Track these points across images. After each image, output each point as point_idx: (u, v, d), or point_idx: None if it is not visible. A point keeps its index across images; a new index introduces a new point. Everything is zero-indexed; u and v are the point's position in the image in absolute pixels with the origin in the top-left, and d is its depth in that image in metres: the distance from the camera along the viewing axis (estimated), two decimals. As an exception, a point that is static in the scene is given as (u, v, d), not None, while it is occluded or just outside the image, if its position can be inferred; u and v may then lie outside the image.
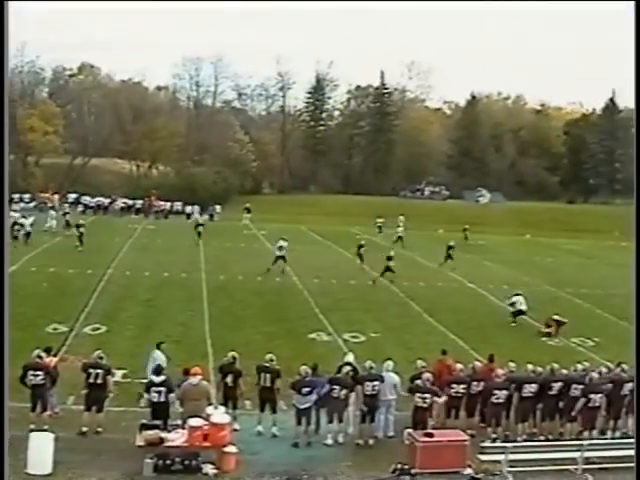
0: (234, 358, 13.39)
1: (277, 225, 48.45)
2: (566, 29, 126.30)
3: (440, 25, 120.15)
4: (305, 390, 12.81)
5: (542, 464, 12.13)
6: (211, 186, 63.20)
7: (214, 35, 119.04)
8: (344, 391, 13.05)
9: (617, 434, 13.96)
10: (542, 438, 13.62)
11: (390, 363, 13.76)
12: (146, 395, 12.48)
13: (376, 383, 13.18)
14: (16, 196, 52.68)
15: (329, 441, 12.96)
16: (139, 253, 34.41)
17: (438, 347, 16.10)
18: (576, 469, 12.38)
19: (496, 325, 23.23)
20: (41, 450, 11.13)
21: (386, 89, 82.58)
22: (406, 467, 11.81)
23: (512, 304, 23.66)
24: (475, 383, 13.73)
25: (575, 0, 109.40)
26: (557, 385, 13.73)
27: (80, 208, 54.35)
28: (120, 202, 57.62)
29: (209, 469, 11.49)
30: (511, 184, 78.10)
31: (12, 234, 33.42)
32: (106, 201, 57.19)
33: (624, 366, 14.61)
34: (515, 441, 13.02)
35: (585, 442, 12.67)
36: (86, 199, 56.96)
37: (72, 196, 57.22)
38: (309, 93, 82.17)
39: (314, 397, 12.84)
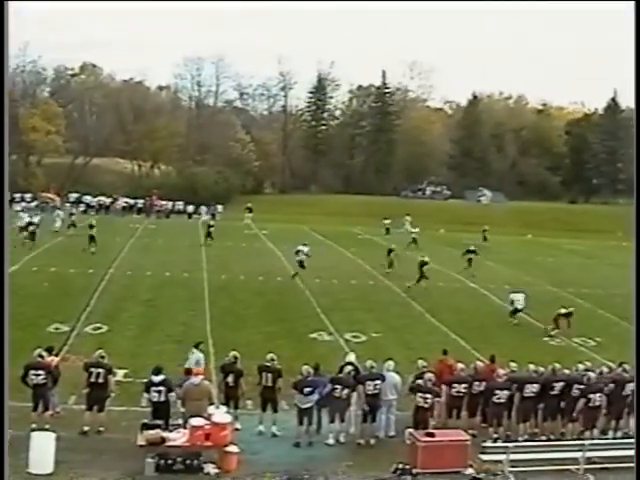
0: (235, 358, 13.39)
1: (278, 225, 48.50)
2: (567, 29, 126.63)
3: (442, 25, 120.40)
4: (307, 390, 12.81)
5: (543, 464, 12.11)
6: (212, 186, 63.29)
7: (216, 35, 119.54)
8: (346, 391, 13.04)
9: (619, 434, 13.94)
10: (543, 438, 13.59)
11: (391, 363, 13.76)
12: (146, 395, 12.48)
13: (377, 382, 13.17)
14: (17, 196, 52.73)
15: (330, 441, 12.95)
16: (140, 253, 34.44)
17: (439, 347, 16.09)
18: (577, 469, 12.36)
19: (497, 325, 23.23)
20: (42, 450, 11.13)
21: (387, 89, 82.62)
22: (407, 467, 11.79)
23: (511, 302, 23.71)
24: (477, 383, 13.72)
25: (575, 0, 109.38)
26: (559, 385, 13.71)
27: (82, 208, 54.38)
28: (121, 202, 57.73)
29: (210, 469, 11.48)
30: (512, 184, 78.04)
31: (28, 235, 32.99)
32: (107, 201, 57.28)
33: (626, 366, 14.60)
34: (516, 441, 12.99)
35: (586, 442, 12.65)
36: (87, 199, 57.06)
37: (73, 196, 57.33)
38: (311, 93, 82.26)
39: (316, 397, 12.84)
